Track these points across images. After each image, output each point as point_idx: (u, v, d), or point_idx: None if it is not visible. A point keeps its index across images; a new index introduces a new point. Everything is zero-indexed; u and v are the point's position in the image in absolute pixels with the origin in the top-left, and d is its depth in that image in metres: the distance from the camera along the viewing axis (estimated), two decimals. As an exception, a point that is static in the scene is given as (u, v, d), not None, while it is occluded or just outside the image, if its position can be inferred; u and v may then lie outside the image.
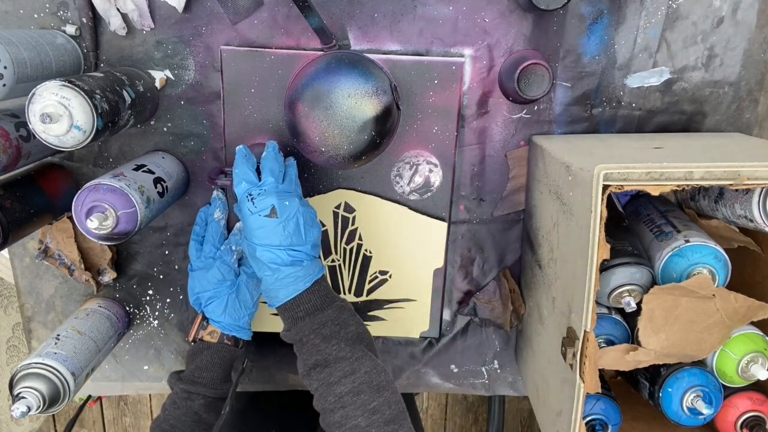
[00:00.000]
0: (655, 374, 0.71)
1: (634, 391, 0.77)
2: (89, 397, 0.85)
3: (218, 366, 0.70)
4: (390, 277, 0.81)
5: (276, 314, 0.81)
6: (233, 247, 0.71)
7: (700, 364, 0.70)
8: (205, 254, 0.71)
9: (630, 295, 0.66)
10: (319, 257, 0.65)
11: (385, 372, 0.61)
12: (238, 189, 0.63)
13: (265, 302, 0.66)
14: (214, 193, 0.75)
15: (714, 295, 0.62)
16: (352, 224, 0.78)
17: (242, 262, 0.73)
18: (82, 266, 0.77)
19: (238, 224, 0.73)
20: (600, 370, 0.63)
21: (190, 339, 0.72)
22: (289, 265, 0.61)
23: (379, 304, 0.82)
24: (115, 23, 0.69)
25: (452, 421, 1.90)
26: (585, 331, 0.59)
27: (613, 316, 0.70)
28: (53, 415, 1.92)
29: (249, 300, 0.71)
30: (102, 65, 0.72)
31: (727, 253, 0.65)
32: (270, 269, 0.61)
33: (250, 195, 0.62)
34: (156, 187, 0.67)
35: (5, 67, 0.55)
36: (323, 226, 0.78)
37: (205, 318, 0.72)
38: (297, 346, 0.63)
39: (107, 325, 0.76)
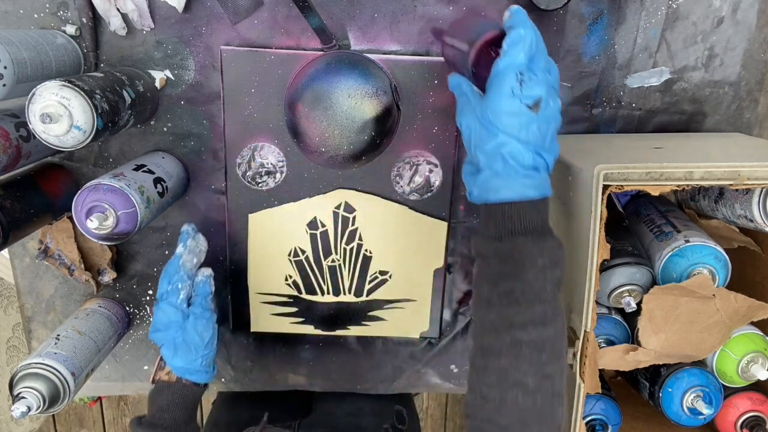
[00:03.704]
0: (655, 374, 0.71)
1: (634, 391, 0.77)
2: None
3: (180, 406, 0.67)
4: (390, 277, 0.81)
5: (277, 314, 0.82)
6: (179, 286, 0.68)
7: (700, 364, 0.70)
8: (159, 292, 0.68)
9: (630, 295, 0.66)
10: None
11: (566, 338, 0.51)
12: (512, 58, 0.49)
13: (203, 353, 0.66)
14: (184, 225, 0.71)
15: (714, 295, 0.62)
16: (353, 224, 0.78)
17: (191, 301, 0.69)
18: (82, 266, 0.77)
19: (180, 261, 0.69)
20: (600, 370, 0.63)
21: (151, 381, 0.69)
22: (528, 166, 0.50)
23: (379, 304, 0.82)
24: (115, 23, 0.69)
25: (452, 421, 1.90)
26: (585, 331, 0.59)
27: (613, 316, 0.70)
28: (53, 415, 1.92)
29: (199, 343, 0.67)
30: (102, 65, 0.72)
31: (727, 253, 0.65)
32: (505, 163, 0.50)
33: (521, 75, 0.49)
34: (156, 187, 0.67)
35: (5, 67, 0.55)
36: (323, 226, 0.78)
37: (163, 358, 0.69)
38: (493, 263, 0.51)
39: (107, 325, 0.76)
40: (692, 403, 0.68)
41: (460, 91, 0.54)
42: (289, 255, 0.79)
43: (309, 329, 0.83)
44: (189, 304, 0.69)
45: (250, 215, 0.77)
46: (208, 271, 0.71)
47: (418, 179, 0.76)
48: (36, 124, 0.55)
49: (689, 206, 0.76)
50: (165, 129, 0.75)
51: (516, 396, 0.47)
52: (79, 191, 0.60)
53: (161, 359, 0.69)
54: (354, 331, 0.83)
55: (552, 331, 0.48)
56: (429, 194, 0.77)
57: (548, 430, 0.47)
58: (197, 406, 0.70)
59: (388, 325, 0.83)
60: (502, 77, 0.49)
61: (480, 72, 0.54)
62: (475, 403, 0.49)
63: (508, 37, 0.50)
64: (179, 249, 0.69)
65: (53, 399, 0.64)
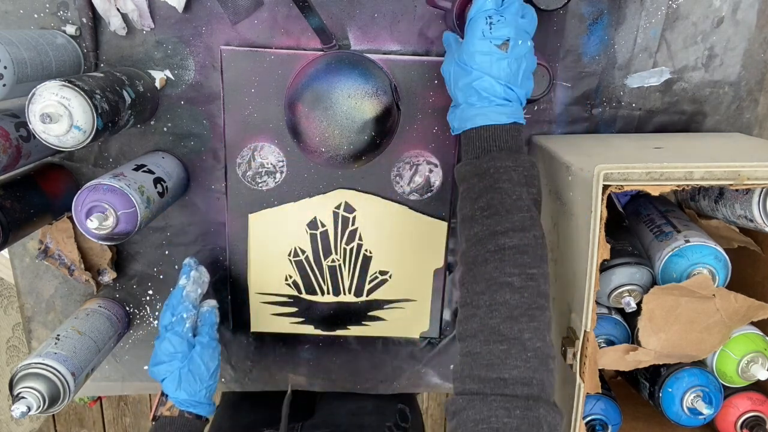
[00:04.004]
0: (655, 374, 0.71)
1: (634, 391, 0.77)
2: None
3: None
4: (390, 277, 0.81)
5: (277, 314, 0.82)
6: (184, 315, 0.68)
7: (700, 364, 0.70)
8: (162, 323, 0.68)
9: (630, 295, 0.66)
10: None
11: (546, 248, 0.54)
12: (481, 4, 0.56)
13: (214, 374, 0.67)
14: (186, 259, 0.73)
15: (714, 295, 0.62)
16: (353, 224, 0.78)
17: (197, 331, 0.70)
18: (82, 266, 0.77)
19: (184, 292, 0.70)
20: (600, 370, 0.63)
21: (151, 419, 0.69)
22: (500, 97, 0.55)
23: (379, 304, 0.82)
24: (115, 23, 0.69)
25: (452, 421, 1.89)
26: (585, 331, 0.59)
27: (613, 316, 0.70)
28: (53, 415, 1.92)
29: (204, 373, 0.68)
30: (102, 65, 0.72)
31: (727, 253, 0.65)
32: (479, 96, 0.56)
33: (490, 18, 0.55)
34: (156, 187, 0.67)
35: (5, 67, 0.55)
36: (323, 226, 0.78)
37: (164, 394, 0.69)
38: (473, 182, 0.55)
39: (107, 325, 0.76)
40: (692, 403, 0.68)
41: (447, 43, 0.62)
42: (289, 255, 0.79)
43: (309, 329, 0.83)
44: (194, 335, 0.70)
45: (250, 215, 0.77)
46: (213, 302, 0.73)
47: (418, 179, 0.76)
48: (36, 124, 0.55)
49: (689, 206, 0.76)
50: (165, 129, 0.75)
51: (504, 295, 0.49)
52: (79, 191, 0.60)
53: (162, 395, 0.69)
54: (354, 331, 0.84)
55: (532, 236, 0.52)
56: (429, 194, 0.77)
57: (537, 325, 0.49)
58: None
59: (388, 325, 0.83)
60: (474, 22, 0.56)
61: (462, 25, 0.62)
62: (466, 317, 0.51)
63: None
64: (182, 281, 0.71)
65: (53, 399, 0.64)
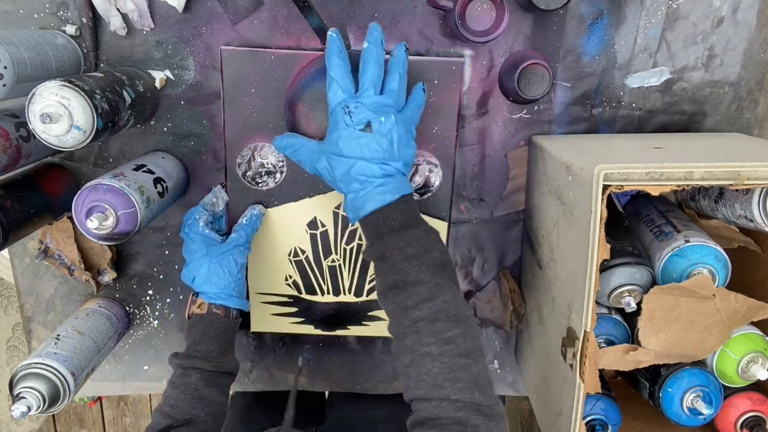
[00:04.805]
0: (655, 374, 0.71)
1: (634, 391, 0.77)
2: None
3: (212, 338, 0.68)
4: (390, 277, 0.81)
5: (277, 314, 0.82)
6: (197, 217, 0.71)
7: (700, 364, 0.70)
8: (182, 233, 0.71)
9: (630, 295, 0.66)
10: (409, 178, 0.62)
11: (464, 305, 0.57)
12: (333, 97, 0.60)
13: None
14: (216, 187, 0.76)
15: (714, 295, 0.62)
16: (352, 224, 0.78)
17: (237, 229, 0.73)
18: (82, 266, 0.77)
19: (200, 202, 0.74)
20: (600, 370, 0.63)
21: (186, 318, 0.71)
22: (379, 176, 0.59)
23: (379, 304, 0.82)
24: (115, 23, 0.69)
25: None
26: (585, 331, 0.59)
27: (613, 316, 0.70)
28: (53, 415, 1.92)
29: (233, 266, 0.70)
30: (102, 65, 0.72)
31: (727, 253, 0.65)
32: (359, 182, 0.59)
33: (347, 107, 0.59)
34: (156, 187, 0.67)
35: (5, 67, 0.55)
36: (323, 226, 0.78)
37: (195, 293, 0.71)
38: (377, 264, 0.60)
39: (107, 325, 0.76)
40: (692, 403, 0.68)
41: (297, 146, 0.65)
42: (289, 255, 0.79)
43: (309, 329, 0.83)
44: (221, 235, 0.73)
45: (250, 215, 0.77)
46: (264, 210, 0.76)
47: (418, 179, 0.76)
48: (36, 124, 0.55)
49: (689, 206, 0.76)
50: (165, 129, 0.75)
51: (426, 365, 0.53)
52: (79, 191, 0.60)
53: (193, 294, 0.71)
54: (354, 331, 0.84)
55: (441, 302, 0.55)
56: (429, 194, 0.77)
57: (463, 384, 0.51)
58: (232, 339, 0.71)
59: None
60: (334, 114, 0.60)
61: (464, 24, 0.67)
62: (406, 386, 0.55)
63: (327, 80, 0.61)
64: (208, 198, 0.75)
65: (53, 399, 0.64)
